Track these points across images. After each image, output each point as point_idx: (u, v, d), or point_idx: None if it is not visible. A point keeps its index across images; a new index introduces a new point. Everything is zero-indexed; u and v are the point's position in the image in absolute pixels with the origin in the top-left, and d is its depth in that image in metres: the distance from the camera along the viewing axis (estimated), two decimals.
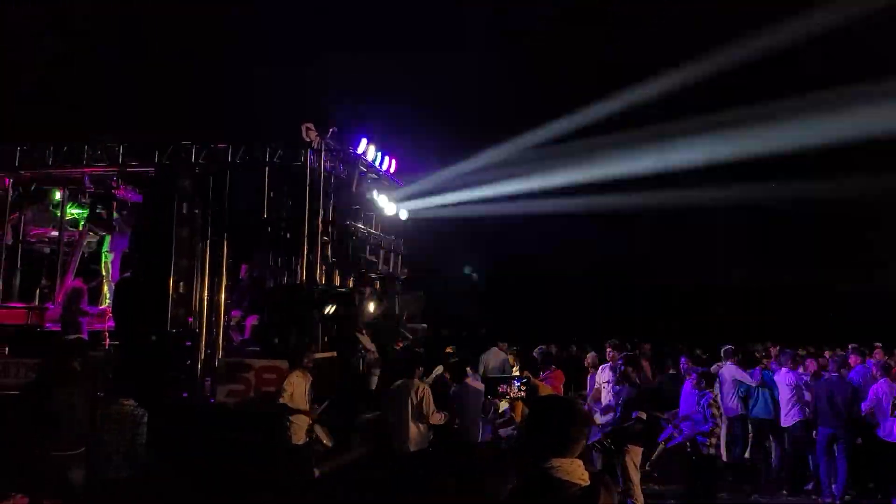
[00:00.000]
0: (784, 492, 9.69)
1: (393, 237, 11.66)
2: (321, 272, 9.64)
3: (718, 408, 8.36)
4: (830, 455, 9.25)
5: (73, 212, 10.82)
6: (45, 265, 11.47)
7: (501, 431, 7.98)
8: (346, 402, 9.42)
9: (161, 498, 7.16)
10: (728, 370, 10.28)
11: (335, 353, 9.58)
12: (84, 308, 9.60)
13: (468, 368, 8.85)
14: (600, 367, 10.12)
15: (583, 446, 2.77)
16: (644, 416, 7.48)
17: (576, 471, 2.65)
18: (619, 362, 8.01)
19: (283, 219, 9.81)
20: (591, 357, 11.00)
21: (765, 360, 10.61)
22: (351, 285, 10.46)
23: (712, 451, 8.20)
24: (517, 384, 6.33)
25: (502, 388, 7.02)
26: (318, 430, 7.80)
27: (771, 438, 10.08)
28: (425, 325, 12.29)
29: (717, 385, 9.84)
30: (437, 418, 7.68)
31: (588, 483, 2.65)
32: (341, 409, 9.15)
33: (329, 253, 9.80)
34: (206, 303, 9.33)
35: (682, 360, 11.27)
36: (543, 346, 10.93)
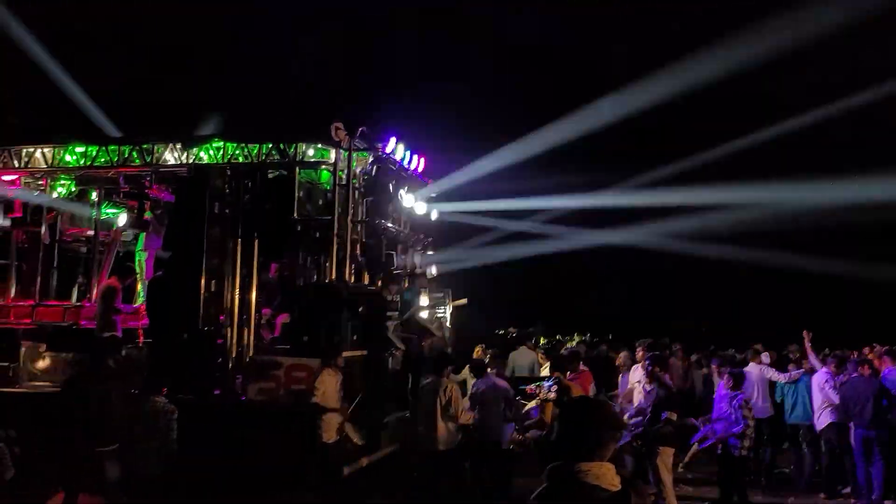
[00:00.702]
0: (822, 496, 9.49)
1: (422, 235, 11.67)
2: (350, 271, 9.68)
3: (749, 409, 8.23)
4: (867, 458, 9.04)
5: (108, 211, 11.00)
6: (81, 264, 11.69)
7: (531, 433, 7.93)
8: (374, 401, 9.47)
9: (193, 495, 7.26)
10: (757, 370, 10.10)
11: (364, 352, 9.64)
12: (118, 306, 9.75)
13: (488, 368, 8.81)
14: (633, 367, 10.02)
15: (613, 450, 2.72)
16: (674, 417, 7.38)
17: (605, 475, 2.60)
18: (647, 362, 7.91)
19: (313, 218, 9.87)
20: (622, 357, 10.90)
21: (804, 362, 10.39)
22: (380, 284, 10.48)
23: (744, 452, 8.08)
24: (548, 385, 6.24)
25: (531, 388, 6.96)
26: (349, 428, 7.84)
27: (805, 442, 9.91)
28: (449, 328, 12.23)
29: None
30: (467, 418, 7.67)
31: (618, 488, 2.61)
32: (370, 407, 9.20)
33: (358, 252, 9.83)
34: (236, 301, 9.41)
35: (714, 361, 11.14)
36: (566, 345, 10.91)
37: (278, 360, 8.80)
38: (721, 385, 8.59)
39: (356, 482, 8.01)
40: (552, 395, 6.11)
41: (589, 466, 2.61)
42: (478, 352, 11.13)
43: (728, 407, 7.95)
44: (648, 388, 7.70)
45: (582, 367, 9.60)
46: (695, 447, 8.85)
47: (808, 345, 10.19)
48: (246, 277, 9.48)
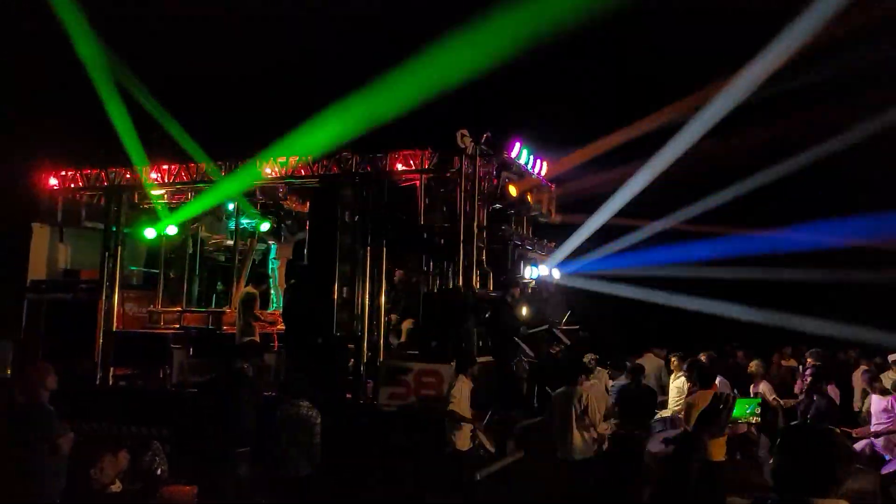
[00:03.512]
0: None
1: (546, 240, 11.54)
2: (476, 277, 9.70)
3: None
4: None
5: (244, 221, 11.56)
6: (220, 272, 12.34)
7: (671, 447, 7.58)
8: (502, 408, 9.43)
9: (338, 497, 7.46)
10: None
11: (491, 359, 9.62)
12: (257, 313, 10.22)
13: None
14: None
15: (847, 485, 2.51)
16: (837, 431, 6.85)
17: None
18: (808, 372, 7.42)
19: (439, 225, 9.97)
20: (755, 365, 10.33)
21: None
22: (505, 290, 10.44)
23: None
24: (748, 409, 5.74)
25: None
26: (481, 435, 7.83)
27: None
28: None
29: None
30: (604, 427, 7.48)
31: None
32: (498, 414, 9.17)
33: (484, 258, 9.84)
34: (366, 307, 9.65)
35: (865, 373, 10.35)
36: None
37: (408, 365, 8.92)
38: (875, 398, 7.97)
39: (489, 488, 7.99)
40: (754, 420, 5.68)
41: (823, 503, 2.43)
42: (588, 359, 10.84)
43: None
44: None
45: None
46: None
47: None
48: (375, 284, 9.71)
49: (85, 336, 10.71)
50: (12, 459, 5.77)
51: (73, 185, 11.36)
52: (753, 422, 5.66)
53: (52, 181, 11.42)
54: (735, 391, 10.11)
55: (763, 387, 9.67)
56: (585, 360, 10.18)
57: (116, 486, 5.65)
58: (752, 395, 10.08)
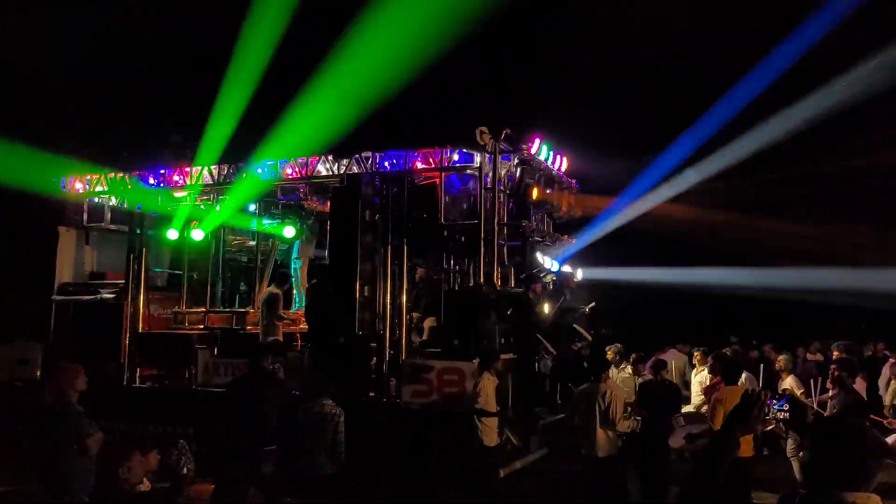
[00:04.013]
0: None
1: (566, 236, 11.50)
2: (497, 274, 9.68)
3: None
4: None
5: (266, 222, 11.64)
6: (242, 272, 12.43)
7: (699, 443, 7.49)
8: (524, 404, 9.42)
9: (361, 496, 7.49)
10: None
11: (513, 355, 9.61)
12: (281, 313, 10.29)
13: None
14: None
15: (878, 479, 2.46)
16: (867, 425, 6.73)
17: None
18: (834, 367, 7.29)
19: (459, 223, 9.96)
20: (783, 360, 10.20)
21: None
22: (525, 287, 10.42)
23: None
24: (777, 405, 5.66)
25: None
26: (508, 430, 7.85)
27: None
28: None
29: None
30: (626, 425, 7.43)
31: None
32: (521, 411, 9.16)
33: (505, 255, 9.82)
34: (388, 305, 9.67)
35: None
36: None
37: (430, 363, 8.92)
38: None
39: (513, 485, 7.99)
40: (782, 416, 5.58)
41: (855, 497, 2.38)
42: (610, 354, 10.76)
43: None
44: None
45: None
46: None
47: None
48: (396, 282, 9.73)
49: (111, 337, 10.87)
50: (42, 460, 5.88)
51: (97, 189, 11.51)
52: (781, 417, 5.55)
53: (77, 185, 11.58)
54: (760, 386, 10.01)
55: (790, 381, 9.55)
56: (611, 351, 10.16)
57: (145, 486, 5.73)
58: (779, 391, 9.98)
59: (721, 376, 8.31)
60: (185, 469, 7.50)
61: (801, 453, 5.19)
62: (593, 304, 11.31)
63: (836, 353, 9.08)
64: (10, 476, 7.83)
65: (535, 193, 10.03)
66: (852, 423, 2.65)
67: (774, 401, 5.34)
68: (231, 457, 7.39)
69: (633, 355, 10.33)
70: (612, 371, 10.39)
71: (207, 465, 7.47)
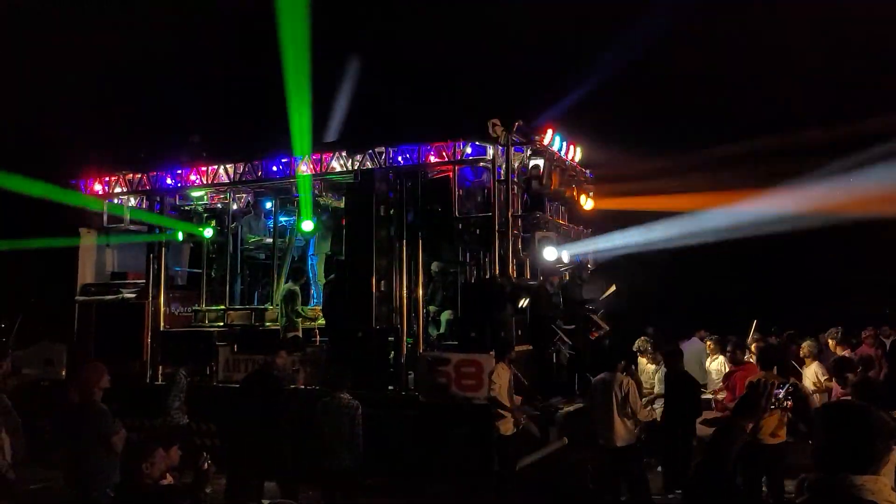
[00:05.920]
0: None
1: (581, 227, 11.46)
2: (512, 266, 9.68)
3: None
4: None
5: (282, 219, 11.73)
6: (260, 269, 12.54)
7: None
8: (542, 395, 9.44)
9: (381, 488, 7.57)
10: None
11: (530, 346, 9.63)
12: (298, 309, 10.38)
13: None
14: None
15: (888, 462, 2.46)
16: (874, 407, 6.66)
17: (882, 491, 2.34)
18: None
19: (473, 215, 9.97)
20: (807, 346, 10.09)
21: None
22: (541, 278, 10.42)
23: None
24: (781, 392, 5.67)
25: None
26: (526, 420, 7.89)
27: None
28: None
29: None
30: (645, 413, 7.43)
31: None
32: (539, 401, 9.18)
33: (520, 247, 9.82)
34: (405, 299, 9.72)
35: None
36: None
37: (447, 356, 8.97)
38: None
39: (531, 475, 8.02)
40: (786, 404, 5.56)
41: (863, 480, 2.37)
42: (639, 344, 10.73)
43: None
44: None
45: (747, 358, 9.05)
46: None
47: None
48: (412, 276, 9.77)
49: (134, 336, 11.05)
50: (69, 457, 6.00)
51: (117, 189, 11.68)
52: (788, 406, 5.52)
53: (97, 186, 11.75)
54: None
55: (815, 368, 9.45)
56: (638, 343, 10.14)
57: (168, 480, 5.83)
58: (802, 378, 9.88)
59: (759, 362, 8.25)
60: (205, 465, 7.64)
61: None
62: (614, 287, 11.22)
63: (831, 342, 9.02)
64: (40, 474, 8.04)
65: (552, 182, 9.96)
66: (858, 405, 2.65)
67: (781, 390, 5.34)
68: (240, 451, 7.52)
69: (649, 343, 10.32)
70: (642, 361, 10.40)
71: (220, 460, 7.59)
